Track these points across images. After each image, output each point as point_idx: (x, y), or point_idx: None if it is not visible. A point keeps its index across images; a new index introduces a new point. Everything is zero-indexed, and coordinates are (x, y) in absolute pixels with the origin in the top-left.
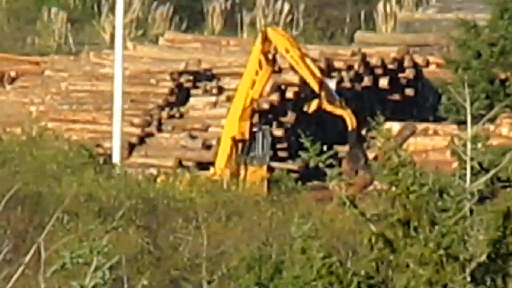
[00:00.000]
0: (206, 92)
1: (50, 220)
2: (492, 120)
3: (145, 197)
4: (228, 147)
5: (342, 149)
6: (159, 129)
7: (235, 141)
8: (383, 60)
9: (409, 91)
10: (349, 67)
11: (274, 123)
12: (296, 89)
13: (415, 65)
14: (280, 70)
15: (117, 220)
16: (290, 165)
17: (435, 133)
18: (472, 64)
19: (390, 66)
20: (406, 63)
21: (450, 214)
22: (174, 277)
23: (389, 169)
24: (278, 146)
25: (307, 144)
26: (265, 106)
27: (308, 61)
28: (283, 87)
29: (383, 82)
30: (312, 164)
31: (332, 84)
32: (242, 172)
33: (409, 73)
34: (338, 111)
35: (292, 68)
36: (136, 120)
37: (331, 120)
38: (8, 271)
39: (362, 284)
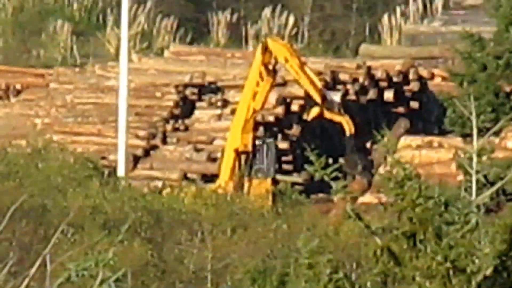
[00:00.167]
0: (211, 104)
1: (55, 232)
2: (497, 133)
3: (150, 209)
4: (231, 160)
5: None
6: (164, 142)
7: (238, 153)
8: (388, 73)
9: (414, 104)
10: (354, 80)
11: (280, 136)
12: (301, 102)
13: (420, 78)
14: (285, 83)
15: (123, 233)
16: (295, 178)
17: (440, 146)
18: (477, 77)
19: (395, 79)
20: (411, 76)
21: (457, 227)
22: None
23: (394, 183)
24: (284, 159)
25: (312, 157)
26: (271, 118)
27: (307, 70)
28: (288, 100)
29: (388, 95)
30: (317, 177)
31: (337, 97)
32: (246, 184)
33: (414, 86)
34: (337, 118)
35: (297, 81)
36: (141, 133)
37: (336, 133)
38: (13, 284)
39: None
